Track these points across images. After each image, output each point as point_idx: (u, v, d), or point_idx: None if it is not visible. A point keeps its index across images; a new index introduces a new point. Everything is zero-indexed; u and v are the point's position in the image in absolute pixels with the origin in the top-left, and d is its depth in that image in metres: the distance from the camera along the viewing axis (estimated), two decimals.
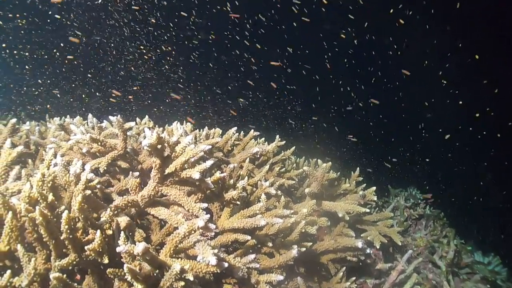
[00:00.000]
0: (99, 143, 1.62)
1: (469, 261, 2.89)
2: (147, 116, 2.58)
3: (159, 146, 1.16)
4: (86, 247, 0.89)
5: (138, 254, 0.83)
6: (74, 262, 0.92)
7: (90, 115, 2.42)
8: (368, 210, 2.04)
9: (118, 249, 0.85)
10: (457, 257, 2.87)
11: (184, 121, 2.42)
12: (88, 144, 1.68)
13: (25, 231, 1.04)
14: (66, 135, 2.17)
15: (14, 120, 1.89)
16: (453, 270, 2.79)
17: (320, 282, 1.62)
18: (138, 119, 2.60)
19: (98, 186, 1.25)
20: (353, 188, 2.34)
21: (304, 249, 1.42)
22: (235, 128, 1.99)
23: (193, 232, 0.99)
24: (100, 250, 0.90)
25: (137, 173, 1.67)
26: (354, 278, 1.80)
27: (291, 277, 1.40)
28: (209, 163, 1.21)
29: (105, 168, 1.64)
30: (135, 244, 0.84)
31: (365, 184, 2.43)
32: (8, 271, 0.82)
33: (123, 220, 1.22)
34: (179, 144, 1.22)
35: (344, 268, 1.75)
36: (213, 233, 1.10)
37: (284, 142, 2.24)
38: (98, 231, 0.90)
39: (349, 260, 1.79)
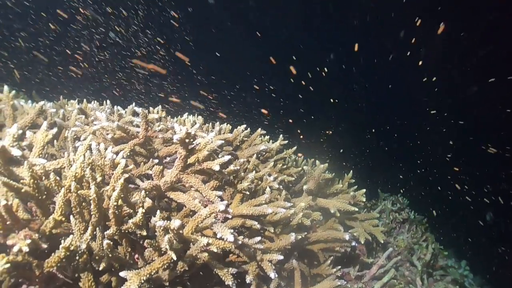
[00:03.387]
0: (124, 131, 1.80)
1: (443, 264, 3.18)
2: (160, 107, 2.75)
3: (187, 140, 1.35)
4: (129, 221, 1.09)
5: (174, 229, 1.03)
6: (116, 234, 1.12)
7: (108, 102, 2.60)
8: (357, 209, 2.28)
9: (158, 224, 1.05)
10: (433, 260, 3.15)
11: (196, 114, 2.61)
12: (113, 130, 1.87)
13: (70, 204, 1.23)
14: (86, 118, 2.35)
15: (42, 102, 2.05)
16: (429, 271, 3.07)
17: (310, 267, 1.86)
18: (151, 108, 2.77)
19: (131, 172, 1.44)
20: (345, 188, 2.58)
21: (300, 236, 1.64)
22: (245, 125, 2.19)
23: (213, 214, 1.19)
24: (140, 224, 1.09)
25: (156, 160, 1.86)
26: (339, 267, 2.04)
27: (287, 260, 1.62)
28: (227, 158, 1.42)
29: (128, 153, 1.83)
30: (172, 221, 1.04)
31: (356, 186, 2.67)
32: (71, 236, 1.01)
33: (146, 202, 1.42)
34: (203, 139, 1.42)
35: (332, 257, 1.98)
36: (229, 216, 1.31)
37: (287, 141, 2.45)
38: (140, 208, 1.10)
39: (337, 251, 2.02)
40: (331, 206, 2.17)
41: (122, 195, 1.18)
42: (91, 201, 1.10)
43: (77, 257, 1.05)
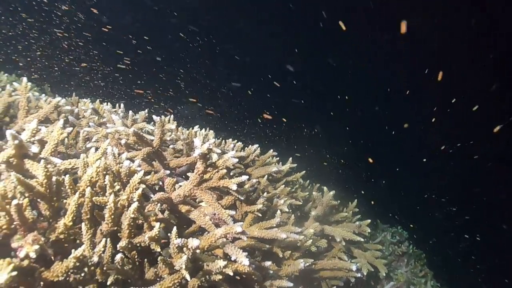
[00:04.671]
0: (139, 138, 1.77)
1: None
2: (172, 116, 2.74)
3: (207, 156, 1.33)
4: (145, 235, 1.05)
5: (192, 248, 0.99)
6: (128, 246, 1.08)
7: (122, 105, 2.59)
8: (362, 240, 2.24)
9: (175, 241, 1.01)
10: None
11: (207, 128, 2.60)
12: (127, 136, 1.84)
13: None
14: (98, 119, 2.33)
15: (58, 98, 2.03)
16: None
17: None
18: (163, 117, 2.76)
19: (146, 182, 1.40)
20: (350, 216, 2.54)
21: (308, 264, 1.60)
22: (257, 145, 2.18)
23: (229, 235, 1.16)
24: (156, 238, 1.05)
25: (168, 171, 1.83)
26: None
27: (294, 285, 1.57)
28: (244, 177, 1.39)
29: (140, 161, 1.80)
30: (190, 239, 1.00)
31: (359, 216, 2.64)
32: (83, 246, 0.97)
33: (158, 214, 1.38)
34: (223, 156, 1.40)
35: (335, 287, 1.93)
36: (243, 238, 1.27)
37: (296, 165, 2.44)
38: (157, 223, 1.06)
39: (340, 280, 1.97)
40: (336, 234, 2.13)
41: (138, 206, 1.15)
42: (107, 210, 1.06)
43: (85, 269, 1.00)
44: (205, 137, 2.37)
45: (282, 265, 1.55)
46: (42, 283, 1.02)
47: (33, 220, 1.21)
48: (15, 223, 1.11)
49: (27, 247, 1.01)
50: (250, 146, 2.23)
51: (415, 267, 3.20)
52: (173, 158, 2.05)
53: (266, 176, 1.99)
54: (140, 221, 1.26)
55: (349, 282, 2.11)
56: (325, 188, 2.41)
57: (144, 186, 1.23)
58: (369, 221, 2.47)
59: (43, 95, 2.72)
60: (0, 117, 2.06)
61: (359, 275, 2.01)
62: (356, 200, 2.71)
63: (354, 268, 1.85)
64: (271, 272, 1.34)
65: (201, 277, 1.06)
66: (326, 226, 2.15)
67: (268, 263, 1.33)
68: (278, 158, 2.47)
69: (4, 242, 1.14)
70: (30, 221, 1.17)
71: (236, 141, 2.47)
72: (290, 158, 2.45)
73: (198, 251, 1.16)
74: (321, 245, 1.95)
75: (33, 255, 0.97)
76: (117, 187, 1.13)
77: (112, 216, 1.07)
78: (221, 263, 1.02)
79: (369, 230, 2.41)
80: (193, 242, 0.99)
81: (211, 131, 2.56)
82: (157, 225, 1.06)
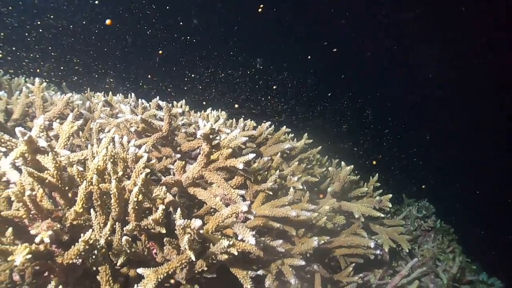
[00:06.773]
0: (147, 125, 1.78)
1: (472, 279, 2.98)
2: (183, 101, 2.74)
3: (211, 136, 1.31)
4: (149, 218, 1.06)
5: (195, 228, 0.99)
6: (135, 229, 1.10)
7: (133, 95, 2.61)
8: (382, 215, 2.16)
9: (178, 222, 1.01)
10: (460, 273, 2.96)
11: (220, 109, 2.57)
12: (137, 123, 1.86)
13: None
14: (110, 110, 2.37)
15: (69, 94, 2.08)
16: (454, 285, 2.88)
17: (331, 272, 1.78)
18: (175, 102, 2.77)
19: (151, 167, 1.41)
20: (371, 192, 2.46)
21: (323, 241, 1.57)
22: (269, 123, 2.13)
23: (236, 214, 1.14)
24: (160, 221, 1.06)
25: (179, 155, 1.84)
26: (361, 275, 1.94)
27: (308, 263, 1.55)
28: (251, 156, 1.36)
29: (150, 147, 1.82)
30: (193, 220, 1.00)
31: (381, 190, 2.54)
32: (90, 230, 1.00)
33: (167, 197, 1.39)
34: (228, 135, 1.37)
35: (354, 264, 1.89)
36: (251, 217, 1.26)
37: (312, 140, 2.36)
38: (161, 205, 1.07)
39: (359, 257, 1.93)
40: (355, 210, 2.07)
41: (143, 190, 1.16)
42: (112, 196, 1.08)
43: (95, 251, 1.03)
44: (217, 119, 2.35)
45: (296, 243, 1.53)
46: (60, 265, 1.07)
47: (49, 209, 1.27)
48: (32, 212, 1.17)
49: (42, 233, 1.05)
50: (262, 124, 2.19)
51: (443, 243, 3.07)
52: (185, 142, 2.05)
53: (280, 153, 1.95)
54: (149, 205, 1.28)
55: (369, 259, 2.07)
56: (343, 163, 2.33)
57: (148, 170, 1.23)
58: (390, 195, 2.37)
59: (59, 93, 2.82)
60: (20, 118, 2.15)
61: (378, 252, 1.95)
62: (377, 174, 2.61)
63: (372, 245, 1.79)
64: (283, 250, 1.33)
65: (208, 257, 1.07)
66: (344, 202, 2.09)
67: (279, 242, 1.31)
68: (292, 135, 2.41)
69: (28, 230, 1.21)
70: (46, 210, 1.23)
71: (248, 120, 2.43)
72: (306, 134, 2.38)
73: (201, 231, 1.17)
74: (338, 222, 1.90)
75: (47, 240, 1.02)
76: (120, 173, 1.14)
77: (118, 201, 1.09)
78: (225, 242, 1.01)
79: (390, 205, 2.32)
80: (196, 223, 0.98)
81: (223, 112, 2.54)
82: (160, 207, 1.06)
